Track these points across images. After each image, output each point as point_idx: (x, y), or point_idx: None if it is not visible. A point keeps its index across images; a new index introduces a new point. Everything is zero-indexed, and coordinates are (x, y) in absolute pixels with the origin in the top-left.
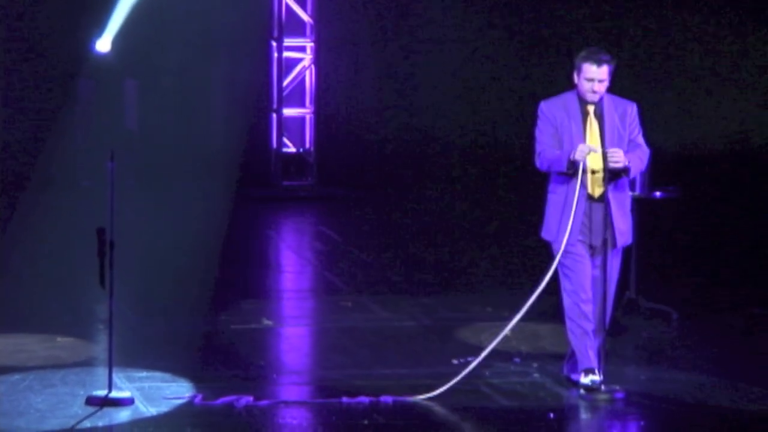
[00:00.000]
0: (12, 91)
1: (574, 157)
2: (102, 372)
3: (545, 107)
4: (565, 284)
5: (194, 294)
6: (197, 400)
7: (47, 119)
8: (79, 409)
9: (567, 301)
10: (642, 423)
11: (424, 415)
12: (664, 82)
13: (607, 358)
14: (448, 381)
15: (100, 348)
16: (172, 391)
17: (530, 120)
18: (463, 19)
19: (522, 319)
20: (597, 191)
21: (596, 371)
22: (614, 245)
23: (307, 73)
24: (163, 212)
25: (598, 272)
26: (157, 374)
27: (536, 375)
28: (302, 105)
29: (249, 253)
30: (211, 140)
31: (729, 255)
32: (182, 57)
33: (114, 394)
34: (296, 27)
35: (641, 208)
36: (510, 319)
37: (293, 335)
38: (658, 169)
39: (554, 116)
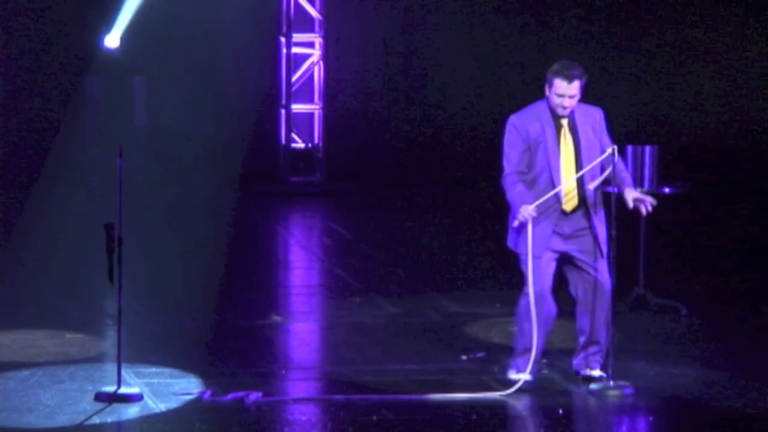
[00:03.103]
0: (21, 88)
1: (518, 215)
2: (111, 368)
3: (517, 121)
4: (526, 287)
5: (203, 290)
6: (206, 396)
7: (56, 116)
8: (88, 405)
9: (522, 302)
10: (651, 419)
11: (432, 412)
12: (674, 77)
13: (614, 353)
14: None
15: (109, 344)
16: (181, 387)
17: None
18: (472, 15)
19: None
20: (570, 206)
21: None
22: (602, 254)
23: (316, 68)
24: (172, 208)
25: (593, 275)
26: (166, 370)
27: (545, 371)
28: (311, 101)
29: (257, 249)
30: (220, 136)
31: (738, 250)
32: (191, 53)
33: (123, 390)
34: (305, 23)
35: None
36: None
37: (302, 331)
38: (667, 165)
39: (527, 131)
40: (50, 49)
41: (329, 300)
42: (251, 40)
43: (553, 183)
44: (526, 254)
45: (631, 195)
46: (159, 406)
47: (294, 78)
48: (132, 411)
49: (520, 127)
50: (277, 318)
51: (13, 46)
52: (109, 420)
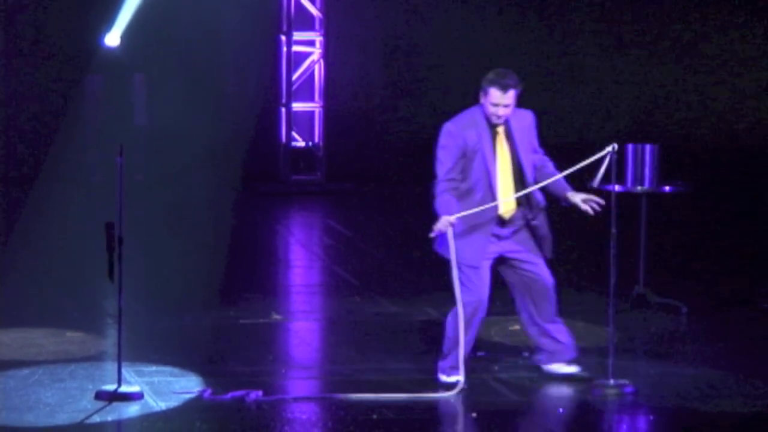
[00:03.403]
0: (21, 86)
1: (437, 225)
2: (111, 366)
3: (453, 128)
4: (463, 296)
5: (203, 289)
6: (206, 394)
7: (56, 115)
8: (89, 403)
9: (464, 315)
10: (651, 418)
11: (432, 410)
12: (674, 76)
13: (615, 352)
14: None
15: (109, 342)
16: (182, 386)
17: (540, 117)
18: (472, 14)
19: None
20: (508, 213)
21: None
22: (547, 256)
23: (316, 67)
24: (172, 207)
25: (530, 268)
26: (167, 369)
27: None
28: (311, 99)
29: (258, 248)
30: (220, 135)
31: (739, 249)
32: (191, 52)
33: (123, 388)
34: (305, 21)
35: (650, 203)
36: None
37: (302, 330)
38: (667, 164)
39: (464, 139)
40: (50, 48)
41: (329, 299)
42: (251, 38)
43: (491, 191)
44: (465, 264)
45: (578, 197)
46: (159, 404)
47: (294, 77)
48: (132, 410)
49: (457, 134)
50: (277, 317)
51: (13, 45)
52: (109, 419)
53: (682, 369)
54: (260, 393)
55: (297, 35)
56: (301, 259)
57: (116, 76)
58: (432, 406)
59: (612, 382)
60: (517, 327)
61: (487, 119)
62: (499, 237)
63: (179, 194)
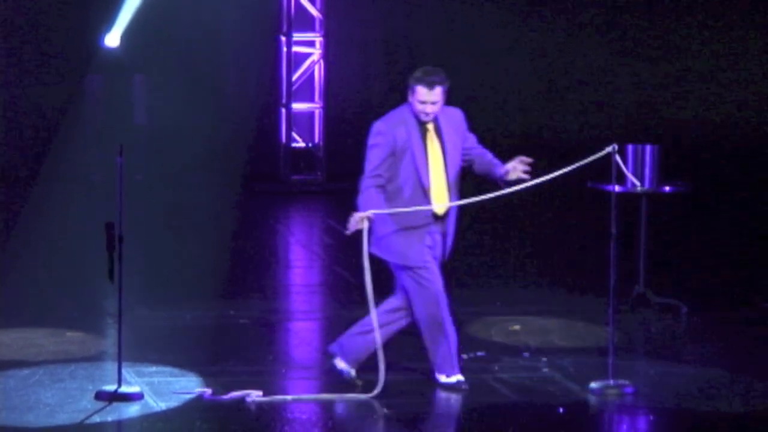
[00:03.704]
0: (21, 86)
1: (351, 222)
2: (111, 367)
3: (383, 127)
4: (423, 297)
5: (203, 289)
6: (206, 394)
7: (57, 115)
8: (89, 403)
9: (425, 312)
10: (651, 417)
11: (433, 410)
12: (675, 75)
13: (615, 352)
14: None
15: (109, 342)
16: (182, 386)
17: (538, 117)
18: (473, 15)
19: (530, 314)
20: (441, 210)
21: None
22: (446, 257)
23: (316, 67)
24: (172, 207)
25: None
26: (167, 369)
27: (545, 369)
28: (311, 100)
29: (258, 248)
30: (220, 135)
31: (738, 249)
32: (191, 52)
33: (123, 388)
34: (305, 22)
35: (650, 203)
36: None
37: (302, 330)
38: (667, 164)
39: (394, 137)
40: (51, 48)
41: (330, 299)
42: (252, 39)
43: (422, 188)
44: (415, 266)
45: (507, 167)
46: (159, 404)
47: (294, 77)
48: (132, 410)
49: (387, 133)
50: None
51: (13, 45)
52: (109, 419)
53: (682, 369)
54: (260, 393)
55: (297, 36)
56: (301, 259)
57: (116, 76)
58: (432, 406)
59: (612, 382)
60: (517, 327)
61: (416, 117)
62: (434, 237)
63: (179, 194)
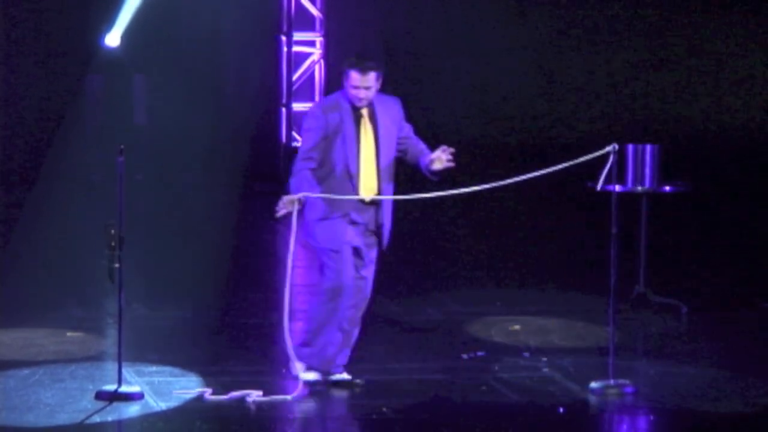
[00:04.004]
0: (21, 86)
1: (280, 204)
2: (111, 366)
3: (317, 111)
4: (326, 283)
5: (204, 289)
6: (207, 394)
7: (57, 114)
8: (89, 403)
9: (321, 299)
10: (651, 417)
11: (433, 410)
12: (675, 75)
13: (615, 352)
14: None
15: (109, 342)
16: (182, 386)
17: (540, 118)
18: (473, 15)
19: (530, 314)
20: (369, 195)
21: (342, 369)
22: (383, 247)
23: (317, 67)
24: (172, 207)
25: (366, 273)
26: (167, 369)
27: (545, 369)
28: (312, 99)
29: (258, 248)
30: (220, 135)
31: (739, 249)
32: (191, 52)
33: (123, 388)
34: (305, 21)
35: (651, 202)
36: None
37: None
38: (667, 164)
39: (326, 121)
40: (51, 47)
41: None
42: (252, 38)
43: (350, 173)
44: (326, 248)
45: (432, 156)
46: (159, 404)
47: (295, 77)
48: (132, 410)
49: (320, 116)
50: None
51: (13, 45)
52: (109, 419)
53: (682, 369)
54: (260, 393)
55: (297, 35)
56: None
57: (116, 76)
58: (432, 407)
59: (612, 382)
60: (517, 327)
61: (351, 103)
62: (355, 223)
63: (179, 193)
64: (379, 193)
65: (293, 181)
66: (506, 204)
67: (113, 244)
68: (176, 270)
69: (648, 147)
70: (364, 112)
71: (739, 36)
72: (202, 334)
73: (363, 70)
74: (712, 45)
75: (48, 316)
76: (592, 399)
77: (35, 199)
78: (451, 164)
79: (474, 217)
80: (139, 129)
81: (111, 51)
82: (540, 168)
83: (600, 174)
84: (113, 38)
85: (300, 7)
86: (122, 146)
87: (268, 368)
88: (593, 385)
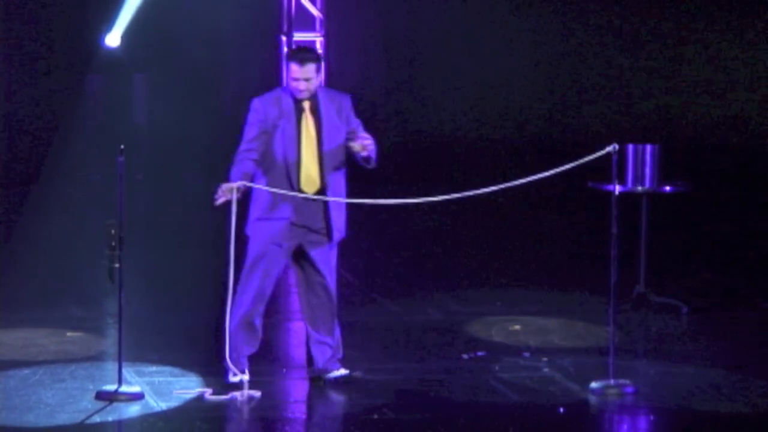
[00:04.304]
0: (22, 86)
1: (219, 192)
2: (112, 366)
3: (258, 104)
4: (252, 282)
5: (204, 288)
6: (207, 394)
7: (57, 114)
8: (89, 403)
9: (245, 300)
10: (652, 417)
11: (433, 411)
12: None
13: (615, 352)
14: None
15: (109, 342)
16: (182, 386)
17: (540, 118)
18: (473, 14)
19: (530, 314)
20: (311, 189)
21: (246, 371)
22: (330, 239)
23: None
24: (172, 207)
25: (319, 269)
26: (167, 369)
27: (546, 369)
28: None
29: None
30: (221, 135)
31: (739, 249)
32: (192, 52)
33: (124, 388)
34: (306, 22)
35: (651, 203)
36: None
37: (302, 330)
38: (667, 164)
39: (266, 114)
40: (51, 47)
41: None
42: (252, 38)
43: (287, 166)
44: (262, 249)
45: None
46: (160, 404)
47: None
48: (133, 410)
49: (260, 110)
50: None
51: (13, 45)
52: (109, 419)
53: (682, 369)
54: (260, 393)
55: (297, 36)
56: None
57: (116, 76)
58: (432, 407)
59: (612, 382)
60: (517, 327)
61: (293, 96)
62: (298, 225)
63: (179, 193)
64: (324, 187)
65: (233, 170)
66: (506, 204)
67: (113, 244)
68: (176, 269)
69: (648, 147)
70: (306, 105)
71: (739, 36)
72: (201, 334)
73: (301, 61)
74: (713, 45)
75: (48, 316)
76: (592, 399)
77: (35, 199)
78: (365, 152)
79: (474, 217)
80: (139, 129)
81: (111, 51)
82: (539, 168)
83: (603, 173)
84: (113, 38)
85: (300, 7)
86: (122, 146)
87: (268, 368)
88: (593, 385)
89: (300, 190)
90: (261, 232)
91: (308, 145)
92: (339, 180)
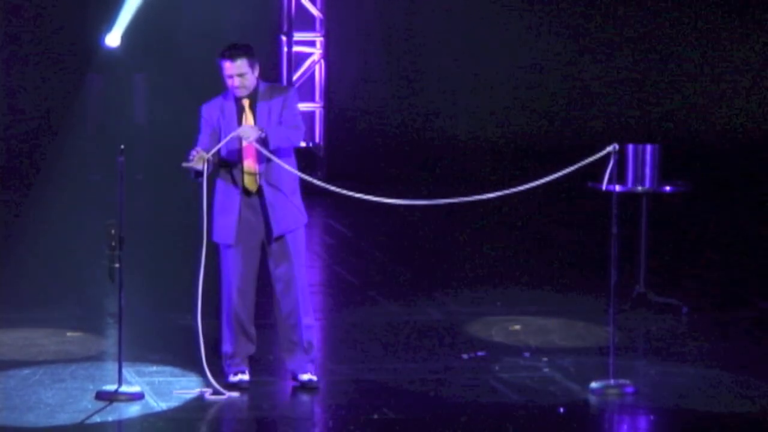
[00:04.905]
0: (22, 85)
1: (185, 164)
2: (112, 366)
3: (203, 109)
4: (231, 280)
5: (204, 288)
6: (207, 394)
7: (57, 114)
8: (89, 403)
9: (227, 303)
10: (651, 417)
11: (433, 411)
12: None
13: (615, 352)
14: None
15: (109, 342)
16: (182, 386)
17: (541, 114)
18: (473, 14)
19: (530, 314)
20: (253, 187)
21: (245, 372)
22: (272, 235)
23: (317, 67)
24: (172, 206)
25: (275, 266)
26: (167, 369)
27: (546, 369)
28: (312, 99)
29: None
30: None
31: (739, 249)
32: (192, 51)
33: (124, 388)
34: (306, 21)
35: (651, 202)
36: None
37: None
38: (667, 164)
39: (211, 117)
40: (51, 47)
41: (330, 298)
42: (252, 38)
43: (230, 163)
44: (221, 244)
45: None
46: (160, 404)
47: (295, 77)
48: (133, 410)
49: (205, 113)
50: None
51: (13, 45)
52: (109, 419)
53: (683, 368)
54: (260, 393)
55: (297, 35)
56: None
57: (116, 76)
58: (432, 407)
59: (612, 382)
60: (517, 327)
61: (234, 95)
62: (251, 222)
63: (179, 193)
64: (268, 180)
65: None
66: (506, 204)
67: (113, 244)
68: (176, 269)
69: (648, 147)
70: (246, 102)
71: (739, 35)
72: (202, 333)
73: (232, 57)
74: (713, 45)
75: (48, 316)
76: (592, 399)
77: (35, 199)
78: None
79: (474, 217)
80: (139, 129)
81: (111, 51)
82: (539, 167)
83: (603, 173)
84: (113, 38)
85: (300, 7)
86: (122, 146)
87: (269, 368)
88: (593, 385)
89: (244, 188)
90: (220, 236)
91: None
92: (281, 171)
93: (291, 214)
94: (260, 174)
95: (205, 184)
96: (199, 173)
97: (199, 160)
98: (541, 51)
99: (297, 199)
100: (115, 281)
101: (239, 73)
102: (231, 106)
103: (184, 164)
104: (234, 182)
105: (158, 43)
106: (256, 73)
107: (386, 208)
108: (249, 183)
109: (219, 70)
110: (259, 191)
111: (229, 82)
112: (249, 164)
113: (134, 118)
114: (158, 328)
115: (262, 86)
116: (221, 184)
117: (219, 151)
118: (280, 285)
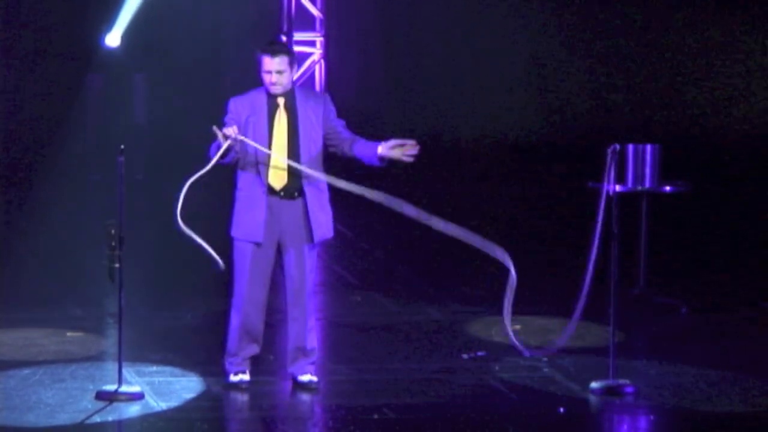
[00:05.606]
0: (21, 86)
1: (221, 130)
2: (112, 366)
3: (231, 103)
4: (239, 283)
5: (204, 288)
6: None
7: (57, 114)
8: (89, 403)
9: (238, 302)
10: (651, 417)
11: (433, 411)
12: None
13: (615, 352)
14: (461, 376)
15: (110, 342)
16: (182, 386)
17: (540, 118)
18: (473, 15)
19: (530, 314)
20: (279, 184)
21: (246, 372)
22: (311, 240)
23: (317, 67)
24: (172, 207)
25: (293, 269)
26: (167, 369)
27: (546, 369)
28: None
29: None
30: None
31: (739, 249)
32: (192, 51)
33: (124, 388)
34: (306, 21)
35: (651, 202)
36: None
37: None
38: (667, 164)
39: (239, 113)
40: (51, 47)
41: (330, 298)
42: (252, 38)
43: (258, 161)
44: (238, 240)
45: (391, 149)
46: (160, 404)
47: (295, 77)
48: (133, 410)
49: (233, 108)
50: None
51: (14, 45)
52: (110, 419)
53: (683, 368)
54: (260, 392)
55: (297, 35)
56: None
57: (116, 76)
58: (432, 407)
59: (612, 382)
60: (517, 327)
61: (269, 94)
62: (275, 222)
63: (179, 194)
64: (300, 184)
65: (210, 149)
66: (506, 204)
67: (113, 244)
68: (176, 269)
69: (648, 147)
70: (281, 101)
71: (739, 35)
72: (202, 334)
73: (273, 53)
74: (713, 45)
75: (48, 316)
76: (592, 399)
77: (35, 199)
78: (410, 159)
79: (474, 217)
80: (139, 129)
81: (111, 50)
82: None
83: (603, 174)
84: (113, 38)
85: (300, 7)
86: (122, 146)
87: (269, 368)
88: (593, 385)
89: (268, 186)
90: (245, 233)
91: (279, 141)
92: (316, 179)
93: (327, 222)
94: (296, 175)
95: (194, 181)
96: (223, 153)
97: (229, 133)
98: (541, 50)
99: (330, 208)
100: (115, 281)
101: (278, 69)
102: (262, 102)
103: (224, 131)
104: (258, 179)
105: (158, 43)
106: (294, 72)
107: (385, 208)
108: (274, 179)
109: (257, 64)
110: (289, 193)
111: (266, 78)
112: (278, 162)
113: (134, 118)
114: (158, 328)
115: (298, 88)
116: (244, 180)
117: (246, 147)
118: (293, 285)
